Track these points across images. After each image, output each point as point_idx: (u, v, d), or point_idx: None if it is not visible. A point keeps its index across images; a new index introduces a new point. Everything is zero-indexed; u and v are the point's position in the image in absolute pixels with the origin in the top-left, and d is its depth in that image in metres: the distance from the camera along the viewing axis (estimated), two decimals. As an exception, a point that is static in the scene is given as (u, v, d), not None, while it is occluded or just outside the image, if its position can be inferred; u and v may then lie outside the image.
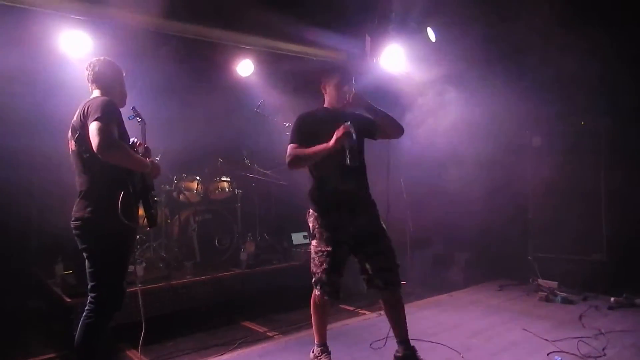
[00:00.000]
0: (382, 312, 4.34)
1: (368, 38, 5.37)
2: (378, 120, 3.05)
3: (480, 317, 4.23)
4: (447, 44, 5.45)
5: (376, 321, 4.14)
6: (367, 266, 2.98)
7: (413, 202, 5.39)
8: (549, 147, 5.22)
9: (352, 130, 2.78)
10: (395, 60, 5.59)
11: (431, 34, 5.49)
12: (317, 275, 3.02)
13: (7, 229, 4.47)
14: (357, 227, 2.97)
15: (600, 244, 4.81)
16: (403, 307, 3.07)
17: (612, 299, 4.38)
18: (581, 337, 3.51)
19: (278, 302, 4.79)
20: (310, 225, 3.09)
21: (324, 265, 2.95)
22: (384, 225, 3.07)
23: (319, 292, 3.03)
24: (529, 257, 5.16)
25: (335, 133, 2.80)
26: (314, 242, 3.04)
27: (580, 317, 4.05)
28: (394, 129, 3.07)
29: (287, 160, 2.95)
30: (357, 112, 3.11)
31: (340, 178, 2.94)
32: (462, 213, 5.45)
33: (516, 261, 5.30)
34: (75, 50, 4.39)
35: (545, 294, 4.64)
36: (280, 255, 5.38)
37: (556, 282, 4.77)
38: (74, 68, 4.21)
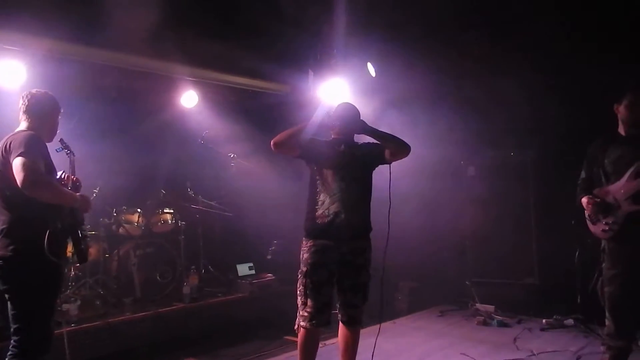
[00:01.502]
0: (327, 342, 4.38)
1: (311, 72, 5.55)
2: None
3: (423, 343, 4.32)
4: (387, 77, 5.70)
5: (321, 350, 4.12)
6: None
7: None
8: (482, 176, 5.51)
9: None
10: (336, 93, 5.78)
11: (371, 68, 5.73)
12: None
13: None
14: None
15: (532, 268, 5.08)
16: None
17: (544, 320, 4.61)
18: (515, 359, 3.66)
19: (224, 336, 4.68)
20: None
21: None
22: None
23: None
24: (467, 282, 5.34)
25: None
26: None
27: (514, 340, 4.22)
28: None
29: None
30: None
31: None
32: (404, 243, 5.58)
33: (456, 287, 5.48)
34: (9, 81, 4.25)
35: (483, 318, 4.81)
36: (225, 288, 5.29)
37: (493, 306, 4.96)
38: (6, 100, 4.11)
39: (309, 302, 2.89)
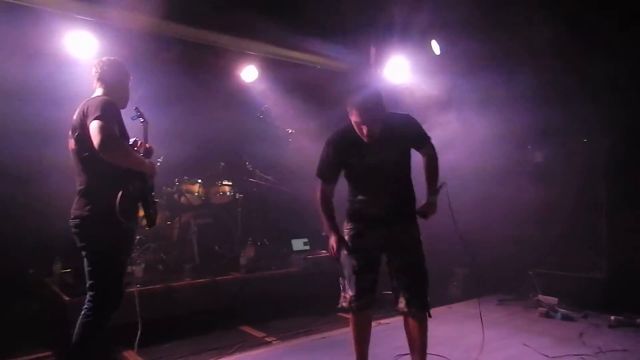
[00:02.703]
0: (381, 322, 4.35)
1: (373, 49, 5.41)
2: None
3: (481, 331, 4.17)
4: (450, 57, 5.47)
5: (375, 330, 4.09)
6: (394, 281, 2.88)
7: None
8: (551, 162, 5.21)
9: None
10: (399, 72, 5.62)
11: (435, 46, 5.52)
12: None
13: (3, 228, 4.44)
14: (387, 238, 2.85)
15: (602, 262, 4.78)
16: (424, 333, 2.89)
17: (612, 317, 4.34)
18: (582, 355, 3.48)
19: (275, 309, 4.76)
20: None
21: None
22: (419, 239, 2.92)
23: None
24: (530, 273, 5.12)
25: (331, 242, 2.84)
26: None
27: (580, 335, 4.01)
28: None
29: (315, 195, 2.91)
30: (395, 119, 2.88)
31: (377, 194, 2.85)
32: (461, 228, 5.40)
33: (515, 276, 5.26)
34: (80, 51, 4.42)
35: (545, 310, 4.60)
36: (279, 262, 5.35)
37: (557, 299, 4.72)
38: (78, 69, 4.27)
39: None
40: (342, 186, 3.00)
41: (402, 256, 2.85)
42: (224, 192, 5.39)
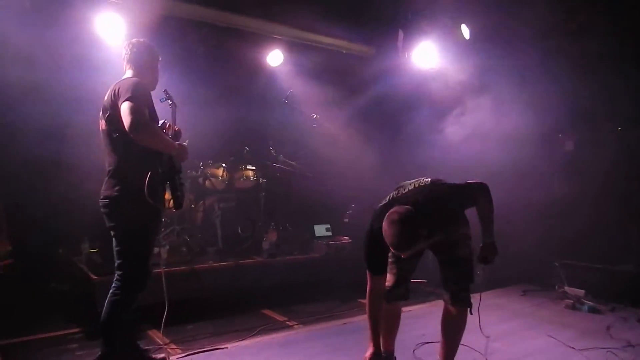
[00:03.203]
0: (403, 309, 4.31)
1: (401, 33, 5.30)
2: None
3: (504, 321, 4.14)
4: (480, 42, 5.34)
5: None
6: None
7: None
8: (582, 151, 5.07)
9: None
10: (427, 57, 5.51)
11: (465, 30, 5.38)
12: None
13: (34, 209, 4.54)
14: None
15: (631, 255, 4.65)
16: (461, 327, 2.76)
17: (641, 311, 4.24)
18: (609, 349, 3.40)
19: (297, 293, 4.79)
20: None
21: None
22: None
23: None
24: (556, 264, 5.01)
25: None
26: None
27: (607, 328, 3.91)
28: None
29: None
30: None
31: None
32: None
33: (540, 267, 5.17)
34: (110, 33, 4.46)
35: (572, 302, 4.50)
36: (301, 247, 5.36)
37: (583, 291, 4.62)
38: (108, 51, 4.32)
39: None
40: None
41: (451, 251, 2.74)
42: (247, 177, 5.40)
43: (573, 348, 3.43)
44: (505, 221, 5.12)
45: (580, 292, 4.62)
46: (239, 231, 5.13)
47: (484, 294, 4.95)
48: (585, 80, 4.79)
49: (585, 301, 4.49)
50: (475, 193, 2.75)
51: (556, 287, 4.92)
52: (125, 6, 4.50)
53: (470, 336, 3.61)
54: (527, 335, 3.75)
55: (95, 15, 4.39)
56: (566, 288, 4.74)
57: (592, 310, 4.37)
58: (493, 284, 5.28)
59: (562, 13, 4.83)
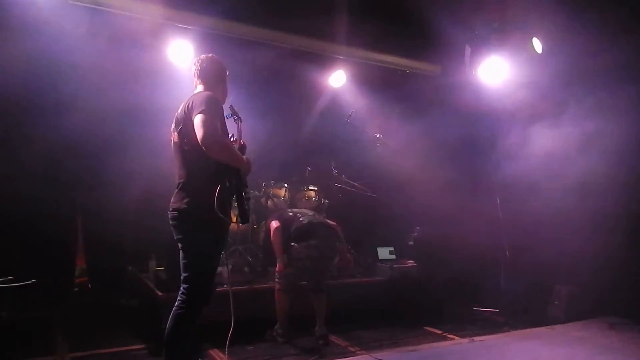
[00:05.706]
0: (475, 339, 4.04)
1: (468, 48, 5.12)
2: None
3: (588, 357, 3.74)
4: (552, 56, 5.05)
5: (468, 347, 3.81)
6: None
7: (506, 223, 4.98)
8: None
9: None
10: (495, 73, 5.29)
11: (537, 44, 5.12)
12: None
13: (106, 230, 4.69)
14: None
15: None
16: None
17: None
18: None
19: (361, 318, 4.62)
20: None
21: None
22: None
23: None
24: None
25: None
26: None
27: None
28: None
29: None
30: None
31: None
32: (566, 239, 4.89)
33: (632, 298, 4.66)
34: (179, 56, 4.68)
35: (669, 338, 4.01)
36: (364, 270, 5.20)
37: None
38: (177, 72, 4.50)
39: None
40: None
41: None
42: (309, 197, 5.35)
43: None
44: (583, 244, 4.72)
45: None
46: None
47: (564, 327, 4.59)
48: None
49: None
50: None
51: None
52: (193, 31, 4.70)
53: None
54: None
55: (167, 41, 4.64)
56: (662, 323, 4.25)
57: (697, 348, 3.86)
58: (573, 317, 4.83)
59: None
